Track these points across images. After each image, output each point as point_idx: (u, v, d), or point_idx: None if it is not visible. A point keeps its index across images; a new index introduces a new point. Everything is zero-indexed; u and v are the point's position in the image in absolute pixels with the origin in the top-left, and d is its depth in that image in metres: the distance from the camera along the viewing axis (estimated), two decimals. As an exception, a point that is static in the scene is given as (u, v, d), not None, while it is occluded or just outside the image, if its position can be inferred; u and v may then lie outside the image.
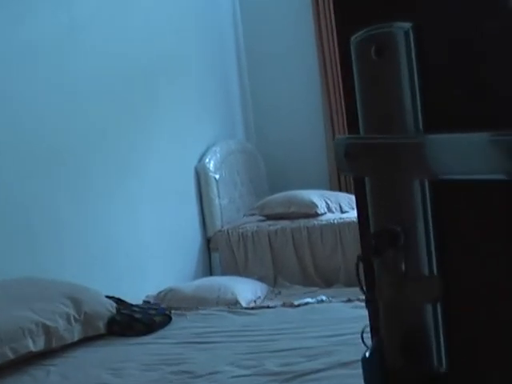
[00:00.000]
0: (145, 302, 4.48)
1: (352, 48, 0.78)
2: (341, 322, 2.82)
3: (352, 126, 0.80)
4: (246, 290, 4.62)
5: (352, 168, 0.86)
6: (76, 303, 2.97)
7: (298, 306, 3.37)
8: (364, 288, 0.91)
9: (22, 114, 3.65)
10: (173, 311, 3.38)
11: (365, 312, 0.98)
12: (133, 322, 3.04)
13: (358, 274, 0.91)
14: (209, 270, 5.31)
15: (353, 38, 0.79)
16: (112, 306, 3.12)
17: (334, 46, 6.03)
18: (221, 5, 6.08)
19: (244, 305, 4.40)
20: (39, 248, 3.66)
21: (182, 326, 3.11)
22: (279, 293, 4.92)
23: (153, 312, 3.16)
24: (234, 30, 6.23)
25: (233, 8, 6.25)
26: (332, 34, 6.03)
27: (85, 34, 4.15)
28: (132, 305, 3.29)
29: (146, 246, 4.58)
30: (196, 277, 5.11)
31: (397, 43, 0.75)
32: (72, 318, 2.90)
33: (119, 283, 4.26)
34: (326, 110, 6.10)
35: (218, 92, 5.85)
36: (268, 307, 3.49)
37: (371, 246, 0.86)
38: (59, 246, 3.79)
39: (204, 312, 3.43)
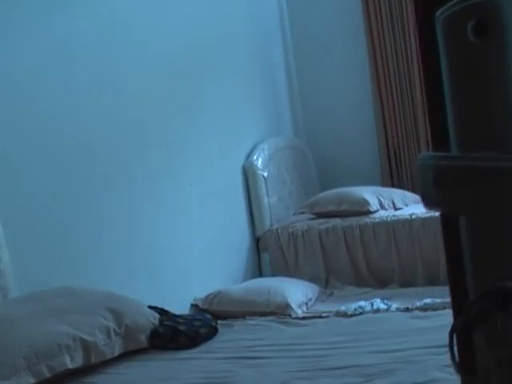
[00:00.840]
0: (192, 305, 4.29)
1: (438, 27, 0.52)
2: (400, 334, 2.55)
3: (439, 139, 0.53)
4: (297, 291, 4.38)
5: (444, 200, 0.56)
6: (116, 315, 2.75)
7: (352, 316, 3.11)
8: (457, 364, 0.63)
9: (60, 118, 3.44)
10: (219, 322, 3.13)
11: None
12: (176, 334, 2.81)
13: (451, 346, 0.62)
14: (258, 271, 5.08)
15: (438, 14, 0.53)
16: (155, 318, 2.89)
17: (383, 37, 5.76)
18: (268, 1, 5.84)
19: (295, 307, 4.18)
20: (79, 257, 3.45)
21: (228, 338, 2.87)
22: (331, 294, 4.67)
23: (198, 323, 2.93)
24: (280, 25, 5.99)
25: (279, 2, 6.00)
26: (382, 26, 5.75)
27: (125, 30, 3.93)
28: (176, 315, 3.06)
29: (193, 248, 4.36)
30: (245, 278, 4.88)
31: (505, 18, 0.48)
32: (112, 331, 2.69)
33: (166, 288, 4.04)
34: (377, 105, 5.81)
35: (265, 88, 5.61)
36: (320, 317, 3.23)
37: (472, 309, 0.58)
38: (100, 254, 3.58)
39: (252, 322, 3.19)
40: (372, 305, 3.87)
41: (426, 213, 4.78)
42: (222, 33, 4.97)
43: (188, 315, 3.29)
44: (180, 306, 4.18)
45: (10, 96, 3.17)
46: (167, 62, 4.32)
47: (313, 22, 6.03)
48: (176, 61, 4.41)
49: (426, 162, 0.57)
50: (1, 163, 3.09)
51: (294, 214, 5.39)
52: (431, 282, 4.66)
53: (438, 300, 3.84)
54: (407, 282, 4.72)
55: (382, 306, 3.87)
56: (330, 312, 4.08)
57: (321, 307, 4.38)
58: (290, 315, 4.09)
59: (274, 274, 5.01)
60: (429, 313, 2.97)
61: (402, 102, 5.76)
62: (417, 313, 2.95)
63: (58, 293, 2.81)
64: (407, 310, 3.14)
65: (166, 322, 2.88)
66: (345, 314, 3.22)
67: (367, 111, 5.90)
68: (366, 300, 4.04)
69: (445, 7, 0.53)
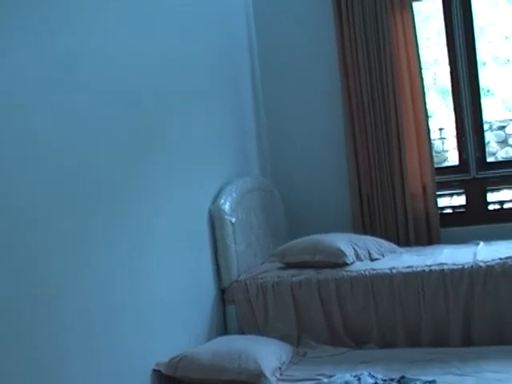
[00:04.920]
0: (155, 371, 3.72)
1: None
2: None
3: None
4: (270, 355, 3.83)
5: None
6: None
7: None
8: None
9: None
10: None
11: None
12: None
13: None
14: (223, 326, 4.52)
15: None
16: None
17: (358, 74, 5.29)
18: (237, 36, 5.34)
19: (269, 375, 3.64)
20: (33, 322, 2.84)
21: None
22: (304, 354, 4.14)
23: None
24: (250, 61, 5.49)
25: (249, 36, 5.50)
26: (357, 62, 5.29)
27: (86, 63, 3.35)
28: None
29: (155, 303, 3.76)
30: (210, 334, 4.31)
31: None
32: None
33: (126, 350, 3.46)
34: (350, 144, 5.33)
35: (233, 125, 5.08)
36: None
37: None
38: (54, 317, 2.98)
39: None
40: (359, 380, 3.35)
41: (407, 267, 4.30)
42: (190, 73, 4.43)
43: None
44: (141, 372, 3.64)
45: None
46: (131, 97, 3.73)
47: (283, 58, 5.55)
48: (141, 96, 3.83)
49: None
50: None
51: (262, 263, 4.86)
52: (412, 342, 4.17)
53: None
54: (386, 343, 4.21)
55: (370, 381, 3.36)
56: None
57: (295, 371, 3.85)
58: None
59: (240, 329, 4.45)
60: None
61: (376, 145, 5.28)
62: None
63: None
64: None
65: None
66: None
67: (339, 152, 5.42)
68: (350, 373, 3.50)
69: None
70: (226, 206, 4.54)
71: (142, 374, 3.62)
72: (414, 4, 5.32)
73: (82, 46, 3.32)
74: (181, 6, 4.40)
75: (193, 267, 4.25)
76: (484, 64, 7.56)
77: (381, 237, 5.04)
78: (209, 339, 4.21)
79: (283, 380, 3.72)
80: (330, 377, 3.58)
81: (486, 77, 7.41)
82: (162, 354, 3.76)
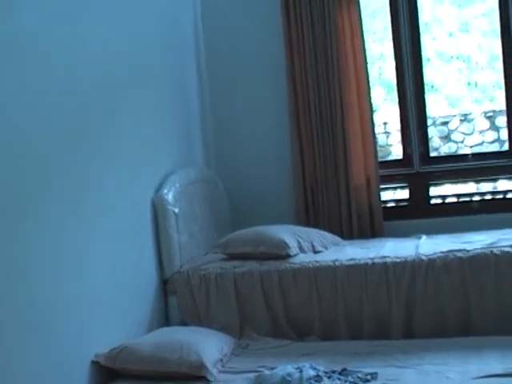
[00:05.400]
0: (94, 362, 3.63)
1: None
2: None
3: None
4: (212, 347, 3.78)
5: None
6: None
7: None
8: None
9: None
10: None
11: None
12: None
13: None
14: (165, 316, 4.45)
15: None
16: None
17: (304, 66, 5.26)
18: (183, 23, 5.25)
19: (210, 367, 3.58)
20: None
21: None
22: (246, 346, 4.09)
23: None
24: (196, 53, 5.41)
25: (195, 28, 5.43)
26: (304, 54, 5.26)
27: (31, 47, 3.25)
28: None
29: (95, 293, 3.67)
30: (152, 325, 4.23)
31: None
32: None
33: (66, 340, 3.37)
34: (295, 136, 5.30)
35: (178, 114, 5.00)
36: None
37: None
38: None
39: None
40: (301, 372, 3.31)
41: (350, 260, 4.29)
42: (135, 56, 4.34)
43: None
44: (80, 364, 3.55)
45: None
46: (75, 82, 3.64)
47: (230, 48, 5.49)
48: (85, 82, 3.74)
49: None
50: None
51: (206, 254, 4.80)
52: (354, 335, 4.15)
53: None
54: (328, 335, 4.19)
55: (312, 373, 3.33)
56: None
57: (237, 363, 3.81)
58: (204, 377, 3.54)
59: (182, 321, 4.39)
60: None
61: (322, 138, 5.25)
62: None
63: None
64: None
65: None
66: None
67: (284, 144, 5.38)
68: (292, 365, 3.47)
69: None
70: (170, 196, 4.47)
71: (80, 366, 3.52)
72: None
73: (24, 30, 3.21)
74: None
75: (135, 257, 4.17)
76: (428, 60, 7.60)
77: (324, 229, 5.02)
78: (150, 330, 4.13)
79: (224, 372, 3.68)
80: (272, 369, 3.54)
81: (431, 73, 7.45)
82: (101, 345, 3.67)
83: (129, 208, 4.15)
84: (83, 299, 3.55)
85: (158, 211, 4.42)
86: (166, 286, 4.47)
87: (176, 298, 4.43)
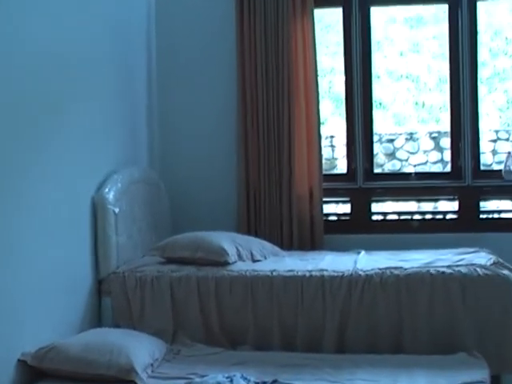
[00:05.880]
0: (20, 361, 3.54)
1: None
2: None
3: None
4: (143, 351, 3.71)
5: None
6: None
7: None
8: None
9: None
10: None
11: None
12: None
13: None
14: (98, 317, 4.36)
15: None
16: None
17: (255, 74, 5.23)
18: (134, 23, 5.17)
19: (140, 371, 3.52)
20: None
21: None
22: (178, 352, 4.03)
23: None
24: (146, 52, 5.34)
25: (147, 28, 5.36)
26: (255, 61, 5.23)
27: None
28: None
29: (26, 289, 3.58)
30: (83, 325, 4.14)
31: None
32: None
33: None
34: (241, 143, 5.26)
35: (124, 111, 4.92)
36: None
37: None
38: None
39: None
40: (232, 381, 3.27)
41: (288, 271, 4.27)
42: (82, 51, 4.24)
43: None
44: (6, 363, 3.45)
45: None
46: (16, 77, 3.55)
47: (181, 51, 5.45)
48: (27, 77, 3.65)
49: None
50: None
51: (143, 256, 4.72)
52: (287, 346, 4.12)
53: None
54: (261, 345, 4.15)
55: (242, 383, 3.29)
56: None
57: (167, 369, 3.75)
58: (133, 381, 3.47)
59: (115, 322, 4.30)
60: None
61: (267, 146, 5.22)
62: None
63: None
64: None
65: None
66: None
67: (230, 149, 5.34)
68: (223, 374, 3.42)
69: None
70: (110, 196, 4.39)
71: (5, 365, 3.42)
72: (316, 12, 5.30)
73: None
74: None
75: (70, 255, 4.08)
76: (378, 77, 7.66)
77: (265, 238, 5.00)
78: (82, 330, 4.04)
79: (154, 377, 3.62)
80: (203, 376, 3.50)
81: (380, 90, 7.50)
82: (30, 344, 3.58)
83: (68, 205, 4.06)
84: (12, 295, 3.45)
85: (97, 210, 4.35)
86: (100, 286, 4.39)
87: (110, 299, 4.36)
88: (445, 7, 5.47)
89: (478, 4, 5.34)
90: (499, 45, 8.23)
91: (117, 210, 4.41)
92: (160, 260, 4.55)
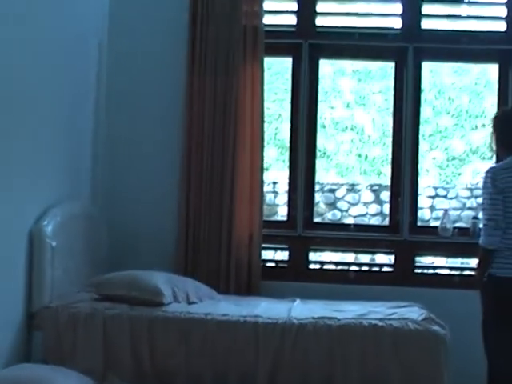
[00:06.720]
0: None
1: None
2: None
3: None
4: (70, 388, 3.65)
5: None
6: None
7: None
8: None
9: None
10: None
11: None
12: None
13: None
14: (27, 352, 4.26)
15: None
16: None
17: (202, 116, 5.26)
18: (84, 52, 5.14)
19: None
20: None
21: None
22: (107, 392, 3.98)
23: None
24: (96, 83, 5.32)
25: (99, 56, 5.35)
26: (204, 103, 5.26)
27: None
28: None
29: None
30: (11, 359, 4.04)
31: None
32: None
33: None
34: (184, 185, 5.26)
35: (66, 146, 4.85)
36: None
37: None
38: None
39: None
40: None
41: (223, 315, 4.25)
42: (27, 78, 4.19)
43: None
44: None
45: None
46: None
47: (131, 85, 5.45)
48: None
49: None
50: None
51: (78, 292, 4.65)
52: (218, 391, 4.10)
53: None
54: (194, 389, 4.12)
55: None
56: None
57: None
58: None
59: (44, 358, 4.21)
60: None
61: (210, 189, 5.24)
62: None
63: None
64: None
65: None
66: None
67: (173, 189, 5.33)
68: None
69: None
70: (49, 229, 4.34)
71: None
72: (266, 59, 5.36)
73: None
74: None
75: (2, 287, 3.99)
76: (324, 127, 7.76)
77: (202, 280, 4.96)
78: (9, 365, 3.94)
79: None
80: (130, 418, 3.45)
81: (324, 140, 7.60)
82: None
83: (4, 235, 3.99)
84: None
85: (34, 242, 4.28)
86: (32, 320, 4.30)
87: (41, 334, 4.27)
88: (392, 64, 5.60)
89: (423, 64, 5.48)
90: (442, 103, 8.43)
91: (54, 244, 4.35)
92: (95, 297, 4.48)
